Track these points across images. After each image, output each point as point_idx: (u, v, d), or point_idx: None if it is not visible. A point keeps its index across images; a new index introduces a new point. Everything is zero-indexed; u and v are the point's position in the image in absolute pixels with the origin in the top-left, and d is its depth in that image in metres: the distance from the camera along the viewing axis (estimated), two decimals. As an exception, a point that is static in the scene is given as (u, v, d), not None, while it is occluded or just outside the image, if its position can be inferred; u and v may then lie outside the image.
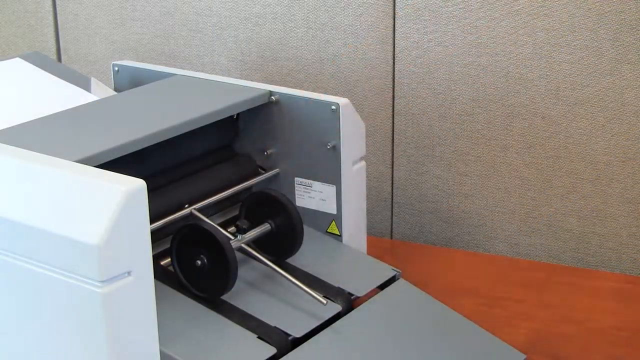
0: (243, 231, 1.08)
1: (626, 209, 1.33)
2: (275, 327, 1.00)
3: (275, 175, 1.20)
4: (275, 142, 1.20)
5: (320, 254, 1.15)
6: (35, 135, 1.02)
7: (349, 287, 1.09)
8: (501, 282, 1.27)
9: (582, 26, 1.29)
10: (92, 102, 1.17)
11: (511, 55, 1.34)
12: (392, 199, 1.48)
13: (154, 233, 0.96)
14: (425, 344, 1.04)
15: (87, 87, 1.23)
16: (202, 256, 1.02)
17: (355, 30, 1.43)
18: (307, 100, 1.15)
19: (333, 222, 1.17)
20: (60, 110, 1.11)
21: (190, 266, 1.03)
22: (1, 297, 0.90)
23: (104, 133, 1.04)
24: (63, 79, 1.24)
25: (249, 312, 1.02)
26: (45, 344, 0.88)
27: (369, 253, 1.19)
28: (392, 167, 1.46)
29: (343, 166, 1.15)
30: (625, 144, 1.31)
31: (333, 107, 1.13)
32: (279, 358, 0.97)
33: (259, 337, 0.98)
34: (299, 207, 1.14)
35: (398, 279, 1.13)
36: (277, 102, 1.17)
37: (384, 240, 1.48)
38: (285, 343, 0.98)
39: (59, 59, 1.67)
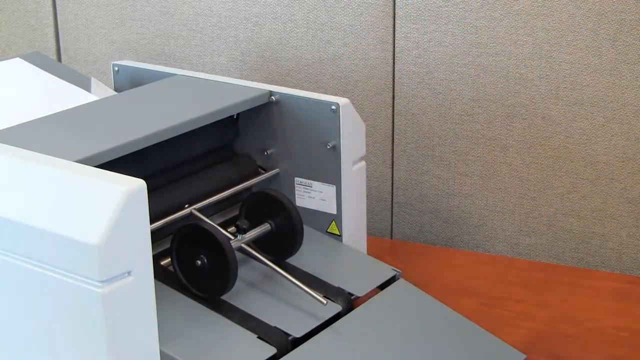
0: (243, 231, 1.08)
1: (626, 209, 1.33)
2: (275, 327, 1.00)
3: (275, 175, 1.20)
4: (275, 142, 1.20)
5: (320, 254, 1.15)
6: (35, 135, 1.02)
7: (349, 287, 1.09)
8: (501, 282, 1.27)
9: (582, 26, 1.29)
10: (92, 102, 1.17)
11: (511, 55, 1.34)
12: (392, 199, 1.48)
13: (154, 233, 0.96)
14: (425, 344, 1.04)
15: (87, 87, 1.23)
16: (202, 256, 1.02)
17: (355, 30, 1.43)
18: (307, 100, 1.15)
19: (333, 222, 1.17)
20: (60, 110, 1.11)
21: (190, 266, 1.03)
22: (1, 297, 0.90)
23: (104, 133, 1.04)
24: (63, 79, 1.24)
25: (249, 312, 1.02)
26: (46, 344, 0.88)
27: (369, 253, 1.19)
28: (392, 167, 1.46)
29: (343, 166, 1.15)
30: (625, 144, 1.31)
31: (333, 107, 1.13)
32: (279, 358, 0.97)
33: (259, 337, 0.98)
34: (299, 207, 1.14)
35: (398, 279, 1.13)
36: (277, 102, 1.17)
37: (384, 240, 1.48)
38: (285, 343, 0.98)
39: (59, 59, 1.67)
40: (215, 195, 1.14)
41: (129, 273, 0.84)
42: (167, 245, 1.06)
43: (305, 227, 1.11)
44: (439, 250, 1.41)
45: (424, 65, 1.39)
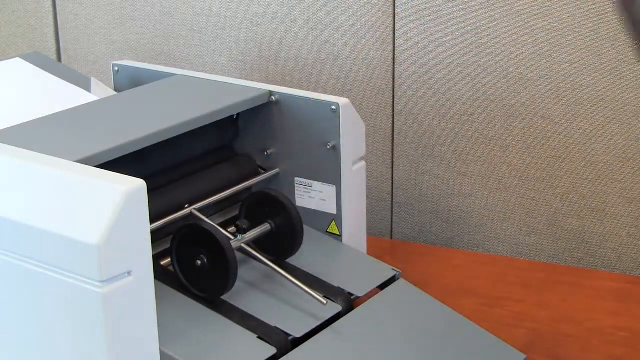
0: (243, 231, 1.08)
1: (626, 209, 1.33)
2: (275, 327, 1.00)
3: (275, 175, 1.20)
4: (275, 142, 1.20)
5: (320, 254, 1.15)
6: (35, 135, 1.02)
7: (349, 287, 1.09)
8: (501, 282, 1.27)
9: (582, 26, 1.29)
10: (92, 102, 1.17)
11: (511, 55, 1.34)
12: (392, 199, 1.48)
13: (154, 233, 0.96)
14: (425, 344, 1.04)
15: (87, 87, 1.23)
16: (202, 256, 1.02)
17: (355, 30, 1.43)
18: (307, 100, 1.15)
19: (333, 222, 1.17)
20: (60, 110, 1.11)
21: (190, 266, 1.03)
22: (1, 297, 0.90)
23: (104, 133, 1.04)
24: (63, 79, 1.24)
25: (249, 312, 1.02)
26: (45, 344, 0.88)
27: (369, 253, 1.19)
28: (392, 167, 1.46)
29: (343, 166, 1.15)
30: (625, 144, 1.31)
31: (333, 107, 1.13)
32: (279, 358, 0.97)
33: (259, 337, 0.98)
34: (299, 207, 1.14)
35: (398, 279, 1.13)
36: (277, 102, 1.17)
37: (384, 240, 1.48)
38: (285, 343, 0.98)
39: (59, 59, 1.67)
40: (215, 195, 1.14)
41: (129, 273, 0.84)
42: (167, 245, 1.06)
43: (305, 227, 1.11)
44: (439, 250, 1.41)
45: (424, 65, 1.39)
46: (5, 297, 0.89)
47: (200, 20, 1.54)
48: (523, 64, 1.33)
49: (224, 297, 1.03)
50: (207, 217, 1.10)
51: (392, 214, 1.49)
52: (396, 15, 1.40)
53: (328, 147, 1.14)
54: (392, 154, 1.46)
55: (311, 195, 1.18)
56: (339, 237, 1.17)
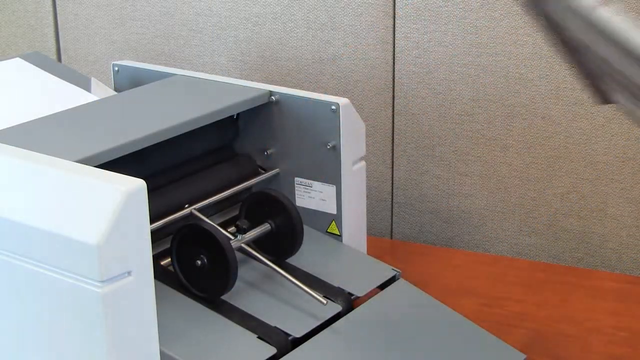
0: (243, 231, 1.08)
1: (626, 209, 1.33)
2: (275, 327, 1.00)
3: (275, 175, 1.20)
4: (275, 142, 1.20)
5: (320, 254, 1.15)
6: (35, 135, 1.02)
7: (349, 287, 1.09)
8: (501, 282, 1.27)
9: (582, 26, 1.28)
10: (92, 102, 1.17)
11: (511, 55, 1.34)
12: (392, 199, 1.48)
13: (154, 233, 0.96)
14: (425, 344, 1.04)
15: (87, 87, 1.23)
16: (202, 256, 1.02)
17: (355, 30, 1.43)
18: (307, 100, 1.15)
19: (333, 222, 1.17)
20: (60, 110, 1.11)
21: (190, 266, 1.03)
22: (1, 297, 0.90)
23: (104, 133, 1.04)
24: (63, 79, 1.24)
25: (249, 312, 1.02)
26: (45, 344, 0.88)
27: (369, 253, 1.19)
28: (392, 167, 1.46)
29: (343, 166, 1.15)
30: (625, 144, 1.31)
31: (333, 107, 1.13)
32: (279, 358, 0.97)
33: (259, 337, 0.98)
34: (299, 207, 1.14)
35: (398, 279, 1.13)
36: (277, 102, 1.17)
37: (384, 240, 1.48)
38: (285, 343, 0.98)
39: (59, 59, 1.67)
40: (215, 195, 1.14)
41: (129, 273, 0.84)
42: (167, 245, 1.06)
43: (305, 227, 1.11)
44: (439, 250, 1.41)
45: (424, 65, 1.39)
46: (5, 297, 0.89)
47: (200, 20, 1.54)
48: (523, 64, 1.33)
49: (224, 297, 1.03)
50: (207, 217, 1.10)
51: (392, 214, 1.49)
52: (396, 15, 1.40)
53: (328, 147, 1.14)
54: (392, 154, 1.46)
55: (311, 195, 1.18)
56: (339, 237, 1.17)
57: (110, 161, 0.97)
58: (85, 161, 0.92)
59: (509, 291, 1.25)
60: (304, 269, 1.10)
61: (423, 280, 1.21)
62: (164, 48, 1.58)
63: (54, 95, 1.20)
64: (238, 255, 1.03)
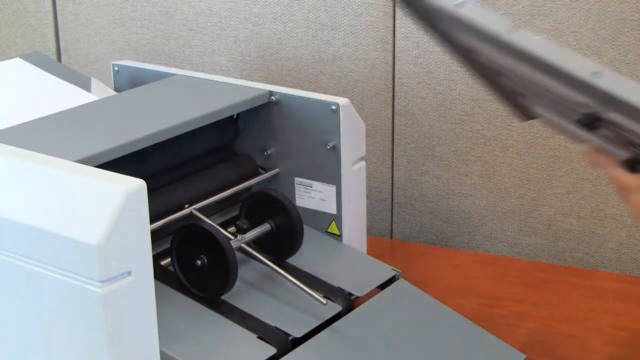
0: (243, 231, 1.08)
1: (626, 209, 1.33)
2: (275, 327, 1.00)
3: (275, 175, 1.20)
4: (275, 142, 1.20)
5: (320, 254, 1.15)
6: (35, 135, 1.02)
7: (349, 287, 1.09)
8: (501, 282, 1.27)
9: (583, 26, 1.29)
10: (92, 102, 1.17)
11: (511, 55, 1.34)
12: (392, 199, 1.48)
13: (154, 233, 0.96)
14: (425, 344, 1.04)
15: (87, 87, 1.23)
16: (202, 256, 1.02)
17: (355, 30, 1.43)
18: (307, 100, 1.15)
19: (333, 222, 1.17)
20: (60, 110, 1.11)
21: (190, 266, 1.03)
22: (1, 297, 0.90)
23: (104, 133, 1.04)
24: (63, 79, 1.24)
25: (249, 312, 1.02)
26: (45, 344, 0.88)
27: (369, 253, 1.19)
28: (392, 167, 1.46)
29: (343, 166, 1.15)
30: (625, 144, 1.31)
31: (333, 107, 1.13)
32: (279, 358, 0.97)
33: (259, 337, 0.98)
34: (299, 207, 1.14)
35: (398, 279, 1.13)
36: (277, 102, 1.17)
37: (384, 240, 1.48)
38: (285, 343, 0.98)
39: (59, 59, 1.67)
40: (215, 195, 1.14)
41: (129, 273, 0.84)
42: (167, 245, 1.06)
43: (305, 227, 1.11)
44: (439, 250, 1.41)
45: (424, 65, 1.39)
46: (5, 297, 0.89)
47: (200, 20, 1.54)
48: (523, 64, 1.33)
49: (224, 297, 1.03)
50: (207, 217, 1.10)
51: (392, 214, 1.49)
52: (396, 15, 1.40)
53: (328, 147, 1.14)
54: (392, 154, 1.46)
55: (311, 195, 1.18)
56: (339, 237, 1.17)
57: (110, 161, 0.97)
58: (85, 161, 0.92)
59: (509, 291, 1.25)
60: (304, 269, 1.10)
61: (423, 280, 1.21)
62: (164, 48, 1.58)
63: (54, 95, 1.20)
64: (238, 255, 1.03)
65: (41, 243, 0.85)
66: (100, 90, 1.23)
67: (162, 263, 1.07)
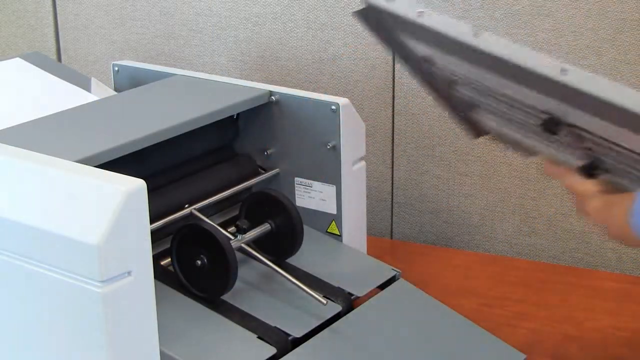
0: (243, 231, 1.08)
1: (626, 209, 1.33)
2: (275, 327, 1.00)
3: (275, 175, 1.20)
4: (275, 142, 1.20)
5: (320, 254, 1.15)
6: (35, 135, 1.02)
7: (349, 287, 1.09)
8: (501, 282, 1.27)
9: (583, 26, 1.29)
10: (92, 102, 1.17)
11: (511, 55, 1.33)
12: (392, 199, 1.48)
13: (154, 233, 0.96)
14: (425, 344, 1.04)
15: (87, 87, 1.23)
16: (202, 256, 1.02)
17: (355, 30, 1.43)
18: (307, 100, 1.15)
19: (333, 222, 1.17)
20: (60, 110, 1.11)
21: (190, 266, 1.03)
22: (1, 297, 0.90)
23: (104, 133, 1.04)
24: (63, 79, 1.24)
25: (249, 312, 1.02)
26: (45, 344, 0.88)
27: (369, 253, 1.19)
28: (392, 167, 1.46)
29: (343, 166, 1.15)
30: (625, 144, 1.31)
31: (333, 107, 1.13)
32: (279, 358, 0.97)
33: (259, 337, 0.98)
34: (299, 207, 1.14)
35: (398, 279, 1.13)
36: (277, 102, 1.17)
37: (384, 240, 1.48)
38: (285, 343, 0.98)
39: (59, 59, 1.67)
40: (215, 195, 1.14)
41: (129, 273, 0.84)
42: (167, 245, 1.06)
43: (305, 227, 1.11)
44: (439, 250, 1.41)
45: (424, 65, 1.39)
46: (5, 297, 0.89)
47: (200, 20, 1.54)
48: (523, 64, 1.33)
49: (224, 297, 1.03)
50: (207, 217, 1.10)
51: (392, 214, 1.49)
52: (396, 15, 1.39)
53: (328, 147, 1.14)
54: (392, 154, 1.46)
55: (311, 195, 1.18)
56: (339, 237, 1.17)
57: (110, 161, 0.97)
58: (85, 161, 0.92)
59: (509, 291, 1.25)
60: (304, 269, 1.10)
61: (423, 280, 1.21)
62: (164, 48, 1.58)
63: (54, 95, 1.20)
64: (238, 255, 1.03)
65: (41, 243, 0.85)
66: (100, 90, 1.23)
67: (162, 263, 1.07)
